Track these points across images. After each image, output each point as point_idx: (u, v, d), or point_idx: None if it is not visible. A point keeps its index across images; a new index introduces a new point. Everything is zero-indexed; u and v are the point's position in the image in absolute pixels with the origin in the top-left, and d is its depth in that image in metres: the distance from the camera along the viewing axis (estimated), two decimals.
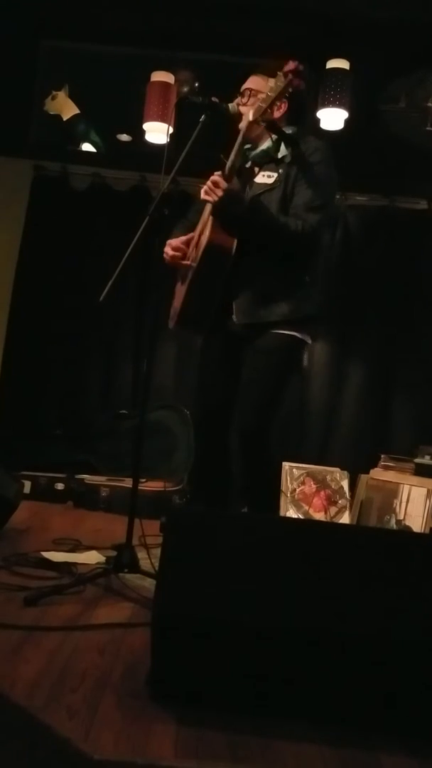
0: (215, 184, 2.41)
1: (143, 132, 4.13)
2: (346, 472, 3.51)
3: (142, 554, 2.12)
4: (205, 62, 4.34)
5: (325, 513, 3.37)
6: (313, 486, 3.43)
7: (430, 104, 4.17)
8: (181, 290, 2.74)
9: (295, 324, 2.59)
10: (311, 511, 3.37)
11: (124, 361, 4.30)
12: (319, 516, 3.36)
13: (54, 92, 4.48)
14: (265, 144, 2.63)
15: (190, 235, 2.73)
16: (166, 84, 4.02)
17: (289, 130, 2.60)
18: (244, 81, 2.71)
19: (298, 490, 3.42)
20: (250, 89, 2.65)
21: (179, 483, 3.55)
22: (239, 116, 2.63)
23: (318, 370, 4.22)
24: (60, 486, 3.62)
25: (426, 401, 4.11)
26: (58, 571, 2.17)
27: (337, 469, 3.52)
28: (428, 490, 3.35)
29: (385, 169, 4.22)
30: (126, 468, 3.37)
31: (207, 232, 2.47)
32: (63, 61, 4.57)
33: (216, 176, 2.42)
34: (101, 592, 2.05)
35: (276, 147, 2.61)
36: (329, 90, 3.89)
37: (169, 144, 2.53)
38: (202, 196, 2.47)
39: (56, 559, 2.29)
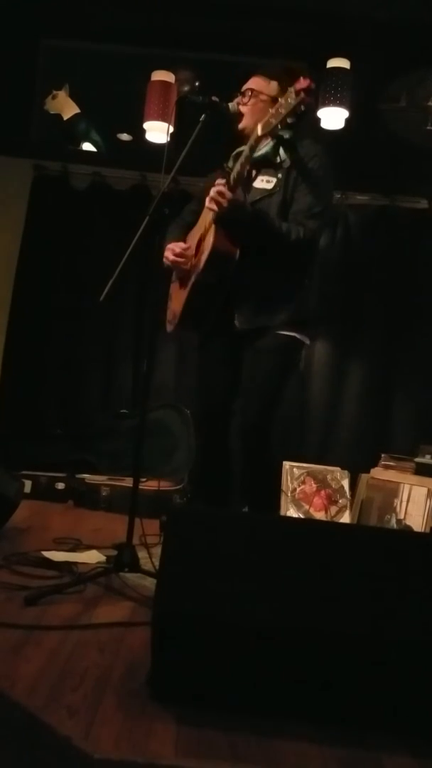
0: (221, 194, 2.41)
1: (143, 131, 4.13)
2: (346, 472, 3.51)
3: (142, 553, 2.12)
4: (206, 61, 4.35)
5: (326, 512, 3.37)
6: (314, 485, 3.43)
7: (430, 103, 4.17)
8: (179, 293, 2.75)
9: (295, 325, 2.61)
10: (312, 511, 3.37)
11: (124, 361, 4.30)
12: (320, 515, 3.36)
13: (54, 91, 4.48)
14: (264, 148, 2.63)
15: (189, 243, 2.74)
16: (166, 83, 4.02)
17: (286, 134, 2.60)
18: (245, 80, 2.71)
19: (298, 489, 3.42)
20: (252, 89, 2.65)
21: (180, 482, 3.56)
22: (239, 116, 2.63)
23: (318, 369, 4.22)
24: (60, 485, 3.62)
25: (426, 400, 4.11)
26: (58, 570, 2.17)
27: (338, 469, 3.52)
28: (429, 490, 3.35)
29: (385, 169, 4.23)
30: (126, 467, 3.37)
31: (211, 239, 2.48)
32: (63, 60, 4.57)
33: (221, 187, 2.42)
34: (102, 592, 2.05)
35: (275, 151, 2.61)
36: (330, 89, 3.89)
37: (169, 143, 2.53)
38: (207, 204, 2.47)
39: (57, 558, 2.29)
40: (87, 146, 4.60)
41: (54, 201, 4.34)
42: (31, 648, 1.57)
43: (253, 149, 2.47)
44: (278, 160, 2.60)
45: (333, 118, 3.97)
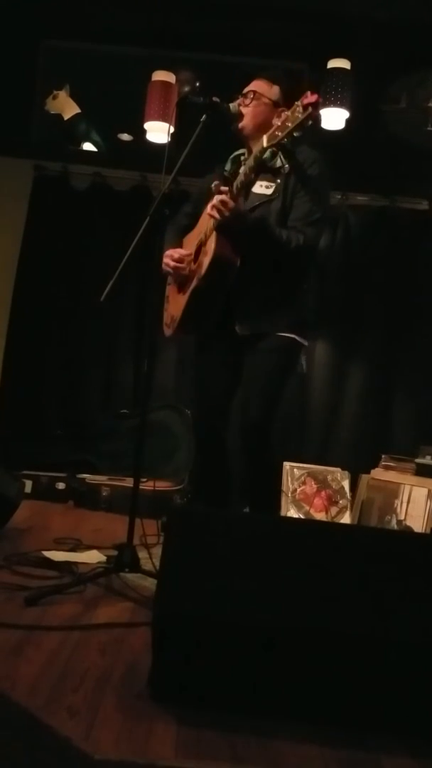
0: (224, 204, 2.41)
1: (144, 132, 4.13)
2: (347, 472, 3.51)
3: (142, 554, 2.12)
4: (206, 62, 4.34)
5: (326, 513, 3.37)
6: (314, 486, 3.43)
7: (430, 104, 4.17)
8: (178, 298, 2.75)
9: (294, 328, 2.63)
10: (312, 511, 3.38)
11: (124, 361, 4.30)
12: (320, 516, 3.36)
13: (55, 92, 4.48)
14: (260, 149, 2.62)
15: (188, 248, 2.74)
16: (167, 83, 4.01)
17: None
18: (247, 81, 2.71)
19: (299, 490, 3.42)
20: (254, 92, 2.65)
21: (180, 483, 3.56)
22: (240, 116, 2.63)
23: (319, 370, 4.22)
24: (61, 485, 3.63)
25: (426, 401, 4.11)
26: (58, 570, 2.17)
27: (338, 469, 3.53)
28: (429, 491, 3.35)
29: (385, 170, 4.22)
30: (127, 468, 3.37)
31: (212, 246, 2.48)
32: (64, 60, 4.57)
33: (224, 196, 2.42)
34: (102, 592, 2.05)
35: (273, 157, 2.61)
36: (330, 90, 3.89)
37: (170, 144, 2.53)
38: (209, 211, 2.47)
39: (57, 558, 2.29)
40: (87, 146, 4.60)
41: (54, 201, 4.34)
42: (31, 648, 1.57)
43: (257, 159, 2.48)
44: (277, 165, 2.61)
45: (333, 118, 3.97)
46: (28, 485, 3.56)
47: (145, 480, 2.25)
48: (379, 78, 4.18)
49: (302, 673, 1.37)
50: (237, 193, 2.49)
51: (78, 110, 4.51)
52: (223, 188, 2.45)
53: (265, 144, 2.40)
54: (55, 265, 4.33)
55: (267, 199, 2.60)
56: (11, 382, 4.27)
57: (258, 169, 2.57)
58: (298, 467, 3.48)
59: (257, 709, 1.37)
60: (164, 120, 3.93)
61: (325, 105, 3.93)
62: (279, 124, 2.34)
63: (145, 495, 2.22)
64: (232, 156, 2.78)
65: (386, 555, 1.50)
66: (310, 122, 2.28)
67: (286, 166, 2.59)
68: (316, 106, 2.25)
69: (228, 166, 2.76)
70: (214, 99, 2.55)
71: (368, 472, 3.60)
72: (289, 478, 3.43)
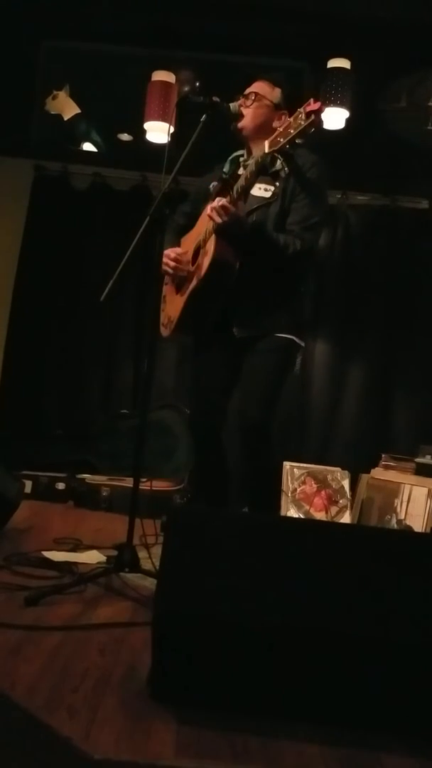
0: (224, 209, 2.41)
1: (144, 131, 4.12)
2: (347, 472, 3.51)
3: (142, 553, 2.12)
4: (206, 62, 4.34)
5: (326, 513, 3.37)
6: (314, 485, 3.43)
7: (431, 104, 4.16)
8: (175, 299, 2.75)
9: (292, 329, 2.64)
10: (312, 511, 3.37)
11: (124, 361, 4.30)
12: (320, 516, 3.36)
13: (55, 92, 4.48)
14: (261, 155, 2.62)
15: (185, 248, 2.74)
16: (167, 83, 4.01)
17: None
18: (248, 82, 2.71)
19: (299, 489, 3.42)
20: (256, 93, 2.65)
21: (180, 482, 3.56)
22: (240, 116, 2.63)
23: (318, 370, 4.22)
24: (61, 485, 3.63)
25: (427, 401, 4.11)
26: (58, 570, 2.17)
27: (338, 469, 3.53)
28: (429, 490, 3.35)
29: (386, 169, 4.22)
30: (127, 468, 3.37)
31: (211, 248, 2.49)
32: (64, 60, 4.57)
33: (224, 201, 2.42)
34: (102, 592, 2.05)
35: (272, 160, 2.61)
36: (330, 89, 3.89)
37: (170, 143, 2.53)
38: (208, 213, 2.47)
39: (57, 558, 2.30)
40: (87, 146, 4.60)
41: (54, 201, 4.34)
42: (31, 648, 1.57)
43: (258, 165, 2.48)
44: (276, 168, 2.61)
45: (334, 118, 3.97)
46: (28, 485, 3.56)
47: (144, 480, 2.25)
48: (379, 77, 4.18)
49: (302, 672, 1.37)
50: (237, 197, 2.50)
51: (78, 110, 4.50)
52: (223, 199, 2.45)
53: (267, 150, 2.40)
54: (55, 265, 4.33)
55: (266, 202, 2.61)
56: (11, 382, 4.27)
57: (258, 174, 2.57)
58: (298, 467, 3.48)
59: (257, 708, 1.37)
60: (164, 120, 3.93)
61: (326, 104, 3.93)
62: (281, 130, 2.33)
63: (145, 495, 2.22)
64: (230, 157, 2.78)
65: (386, 555, 1.50)
66: (312, 129, 2.28)
67: (285, 169, 2.59)
68: (319, 114, 2.26)
69: (227, 167, 2.76)
70: (215, 99, 2.55)
71: (368, 472, 3.60)
72: (289, 478, 3.43)
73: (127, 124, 4.45)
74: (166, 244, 2.76)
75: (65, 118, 4.50)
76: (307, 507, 3.38)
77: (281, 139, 2.33)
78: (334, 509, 3.39)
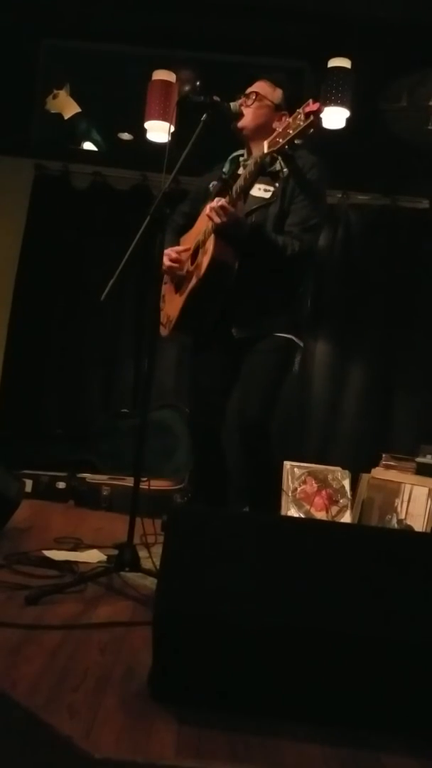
0: (224, 210, 2.41)
1: (144, 131, 4.12)
2: (347, 472, 3.51)
3: (143, 553, 2.12)
4: (207, 61, 4.34)
5: (327, 512, 3.38)
6: (315, 485, 3.43)
7: (431, 103, 4.16)
8: (174, 298, 2.75)
9: (291, 329, 2.64)
10: (312, 511, 3.38)
11: (125, 360, 4.30)
12: (321, 515, 3.37)
13: (55, 91, 4.48)
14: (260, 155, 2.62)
15: (185, 247, 2.74)
16: (167, 83, 4.01)
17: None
18: (249, 81, 2.71)
19: (299, 489, 3.42)
20: (257, 93, 2.65)
21: (180, 482, 3.56)
22: (241, 116, 2.63)
23: (319, 369, 4.22)
24: (61, 485, 3.63)
25: (427, 400, 4.11)
26: (59, 569, 2.17)
27: (339, 469, 3.53)
28: (430, 490, 3.35)
29: (386, 169, 4.22)
30: (127, 467, 3.37)
31: (210, 248, 2.49)
32: (64, 59, 4.57)
33: (224, 201, 2.43)
34: (102, 591, 2.05)
35: (272, 160, 2.61)
36: (331, 89, 3.89)
37: (170, 143, 2.53)
38: (207, 213, 2.47)
39: (57, 557, 2.30)
40: (88, 146, 4.60)
41: (55, 200, 4.34)
42: (31, 648, 1.57)
43: (257, 165, 2.48)
44: (275, 169, 2.61)
45: (334, 117, 3.96)
46: (29, 484, 3.56)
47: (144, 480, 2.25)
48: (379, 77, 4.18)
49: (302, 672, 1.37)
50: (236, 197, 2.49)
51: (78, 109, 4.51)
52: (222, 200, 2.45)
53: (266, 150, 2.40)
54: (55, 265, 4.33)
55: (265, 203, 2.61)
56: (11, 381, 4.27)
57: (257, 174, 2.57)
58: (298, 466, 3.48)
59: (257, 708, 1.37)
60: (165, 119, 3.93)
61: (326, 104, 3.93)
62: (280, 130, 2.33)
63: (145, 494, 2.22)
64: (230, 157, 2.78)
65: (387, 554, 1.50)
66: (311, 130, 2.27)
67: (285, 170, 2.59)
68: (318, 114, 2.26)
69: (226, 167, 2.76)
70: (215, 98, 2.55)
71: (369, 471, 3.60)
72: (290, 478, 3.43)
73: (128, 123, 4.45)
74: (165, 243, 2.77)
75: (65, 118, 4.51)
76: (308, 506, 3.38)
77: (280, 140, 2.33)
78: (334, 509, 3.39)
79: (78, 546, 2.52)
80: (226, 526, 1.56)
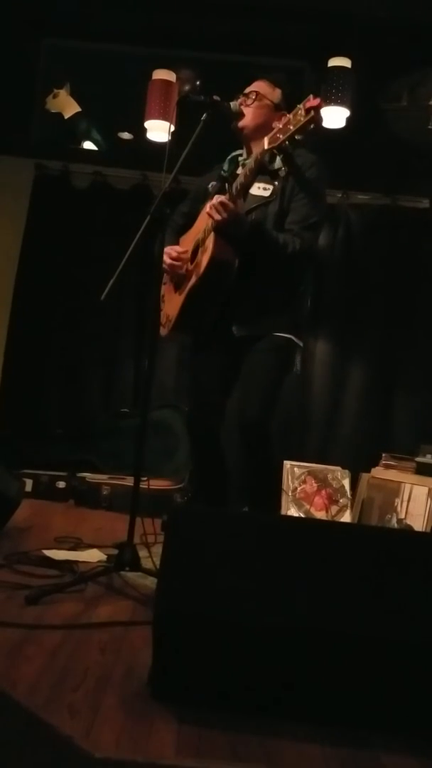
0: (224, 206, 2.41)
1: (144, 130, 4.12)
2: (347, 471, 3.51)
3: (143, 553, 2.12)
4: (207, 61, 4.34)
5: (327, 512, 3.38)
6: (315, 485, 3.43)
7: (431, 103, 4.16)
8: (174, 298, 2.75)
9: (291, 329, 2.64)
10: (312, 510, 3.38)
11: (125, 360, 4.30)
12: (321, 515, 3.37)
13: (55, 90, 4.48)
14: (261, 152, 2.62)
15: (185, 247, 2.74)
16: (167, 82, 4.01)
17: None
18: (248, 80, 2.70)
19: (299, 488, 3.42)
20: (257, 92, 2.65)
21: (180, 482, 3.56)
22: (241, 115, 2.63)
23: (319, 369, 4.22)
24: (61, 484, 3.63)
25: (427, 400, 4.11)
26: (59, 569, 2.17)
27: (339, 468, 3.53)
28: (429, 489, 3.35)
29: (386, 168, 4.22)
30: (127, 466, 3.38)
31: (210, 246, 2.48)
32: (64, 59, 4.57)
33: (224, 198, 2.42)
34: (102, 591, 2.05)
35: (271, 159, 2.61)
36: (331, 88, 3.88)
37: (170, 142, 2.53)
38: (207, 211, 2.47)
39: (58, 557, 2.29)
40: (88, 145, 4.60)
41: (55, 200, 4.34)
42: (32, 647, 1.57)
43: (258, 161, 2.48)
44: (275, 167, 2.60)
45: (334, 117, 3.96)
46: (29, 484, 3.56)
47: (145, 479, 2.26)
48: (379, 76, 4.18)
49: (302, 672, 1.37)
50: (236, 194, 2.49)
51: (78, 109, 4.51)
52: (223, 197, 2.45)
53: (266, 146, 2.39)
54: (55, 264, 4.33)
55: (264, 201, 2.60)
56: (12, 381, 4.27)
57: (257, 172, 2.57)
58: (298, 466, 3.48)
59: (257, 708, 1.37)
60: (165, 119, 3.93)
61: (326, 103, 3.92)
62: (281, 126, 2.33)
63: (145, 494, 2.22)
64: (229, 156, 2.78)
65: (386, 554, 1.50)
66: (312, 126, 2.27)
67: (284, 168, 2.59)
68: (318, 110, 2.25)
69: (226, 167, 2.75)
70: (215, 97, 2.55)
71: (369, 471, 3.60)
72: (290, 477, 3.43)
73: (128, 122, 4.45)
74: (165, 243, 2.76)
75: (66, 117, 4.51)
76: (308, 506, 3.38)
77: (281, 136, 2.33)
78: (334, 508, 3.39)
79: (78, 545, 2.52)
80: (226, 525, 1.56)
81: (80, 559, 2.30)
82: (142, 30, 4.26)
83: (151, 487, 2.47)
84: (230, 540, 1.50)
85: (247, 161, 2.64)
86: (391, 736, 1.34)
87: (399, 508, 3.40)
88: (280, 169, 2.60)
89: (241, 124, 2.64)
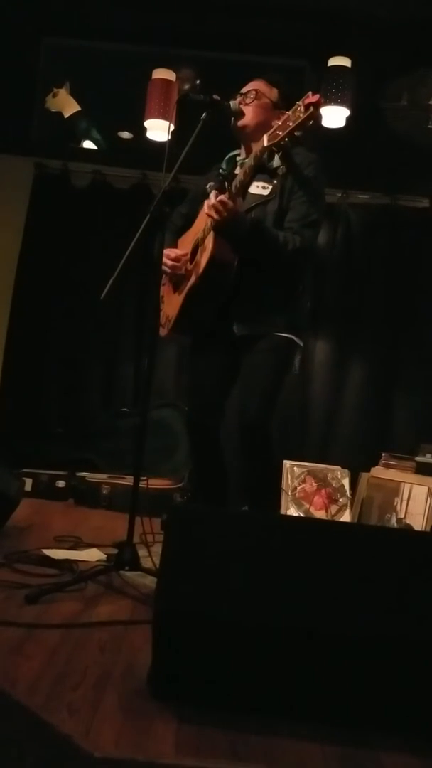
0: (223, 205, 2.40)
1: (144, 129, 4.12)
2: (347, 471, 3.51)
3: (142, 552, 2.13)
4: (207, 60, 4.34)
5: (326, 511, 3.37)
6: (314, 484, 3.43)
7: (431, 102, 4.16)
8: (173, 298, 2.75)
9: (291, 328, 2.64)
10: (312, 510, 3.37)
11: (125, 359, 4.30)
12: (320, 514, 3.36)
13: (55, 89, 4.48)
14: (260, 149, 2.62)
15: (184, 248, 2.74)
16: (167, 81, 4.01)
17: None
18: (247, 79, 2.70)
19: (299, 488, 3.42)
20: (256, 91, 2.65)
21: (180, 481, 3.56)
22: (241, 114, 2.62)
23: (319, 368, 4.22)
24: (61, 483, 3.63)
25: (427, 400, 4.11)
26: (59, 568, 2.18)
27: (338, 468, 3.53)
28: (429, 489, 3.35)
29: (386, 168, 4.22)
30: (127, 466, 3.37)
31: (210, 246, 2.48)
32: (64, 58, 4.57)
33: (224, 197, 2.42)
34: (102, 590, 2.05)
35: (270, 157, 2.61)
36: (331, 88, 3.88)
37: (170, 141, 2.52)
38: (206, 210, 2.46)
39: (57, 556, 2.29)
40: (88, 144, 4.60)
41: (55, 199, 4.34)
42: (31, 646, 1.57)
43: (257, 159, 2.47)
44: (274, 166, 2.60)
45: (334, 116, 3.96)
46: (28, 483, 3.56)
47: (144, 478, 2.26)
48: (379, 76, 4.18)
49: (302, 671, 1.37)
50: (235, 193, 2.49)
51: (78, 108, 4.50)
52: (222, 196, 2.44)
53: (266, 143, 2.39)
54: (55, 263, 4.33)
55: (263, 200, 2.60)
56: (11, 380, 4.27)
57: (256, 170, 2.57)
58: (298, 465, 3.48)
59: (257, 708, 1.37)
60: (164, 118, 3.93)
61: (326, 103, 3.92)
62: (280, 123, 2.33)
63: (145, 493, 2.22)
64: (228, 156, 2.77)
65: (386, 554, 1.50)
66: (311, 122, 2.27)
67: (283, 167, 2.59)
68: (318, 106, 2.25)
69: (224, 166, 2.75)
70: (215, 97, 2.54)
71: (368, 471, 3.60)
72: (290, 477, 3.43)
73: (128, 122, 4.45)
74: (165, 244, 2.76)
75: (65, 116, 4.51)
76: (307, 506, 3.38)
77: (280, 132, 2.33)
78: (334, 508, 3.39)
79: (78, 545, 2.52)
80: (225, 525, 1.56)
81: (80, 559, 2.30)
82: (142, 29, 4.26)
83: (150, 486, 2.47)
84: (230, 539, 1.50)
85: (245, 161, 2.63)
86: (391, 735, 1.34)
87: (399, 508, 3.40)
88: (278, 167, 2.60)
89: (241, 123, 2.64)
